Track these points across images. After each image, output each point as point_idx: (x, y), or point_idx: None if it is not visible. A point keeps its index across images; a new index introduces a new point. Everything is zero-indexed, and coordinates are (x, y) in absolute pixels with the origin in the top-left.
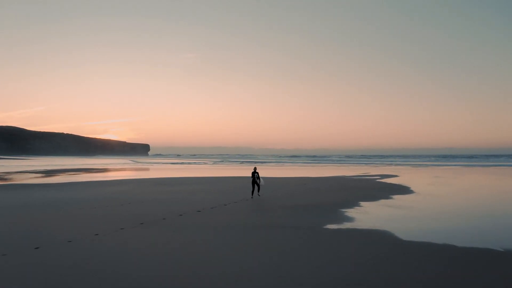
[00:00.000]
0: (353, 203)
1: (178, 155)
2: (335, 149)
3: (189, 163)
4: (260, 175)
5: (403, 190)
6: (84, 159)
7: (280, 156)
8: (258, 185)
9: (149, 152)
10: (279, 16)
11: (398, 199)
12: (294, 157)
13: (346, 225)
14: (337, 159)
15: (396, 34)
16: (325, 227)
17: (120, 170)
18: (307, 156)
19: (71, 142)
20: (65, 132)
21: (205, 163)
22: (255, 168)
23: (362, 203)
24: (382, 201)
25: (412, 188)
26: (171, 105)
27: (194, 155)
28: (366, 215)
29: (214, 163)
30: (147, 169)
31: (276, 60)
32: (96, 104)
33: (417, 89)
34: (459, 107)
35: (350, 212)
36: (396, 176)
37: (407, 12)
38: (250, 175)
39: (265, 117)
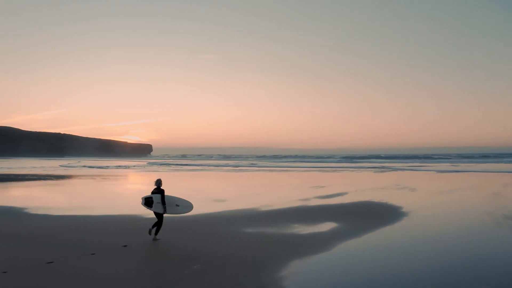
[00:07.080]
0: None
1: (183, 155)
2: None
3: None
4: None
5: None
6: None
7: (262, 157)
8: (157, 217)
9: (151, 153)
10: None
11: None
12: (284, 157)
13: None
14: (334, 160)
15: (408, 32)
16: None
17: None
18: (291, 156)
19: (67, 143)
20: (62, 133)
21: (134, 167)
22: (158, 183)
23: None
24: None
25: None
26: (191, 106)
27: (201, 155)
28: None
29: (150, 164)
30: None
31: (295, 61)
32: (117, 106)
33: (429, 88)
34: (470, 106)
35: None
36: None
37: (420, 10)
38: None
39: (284, 117)
